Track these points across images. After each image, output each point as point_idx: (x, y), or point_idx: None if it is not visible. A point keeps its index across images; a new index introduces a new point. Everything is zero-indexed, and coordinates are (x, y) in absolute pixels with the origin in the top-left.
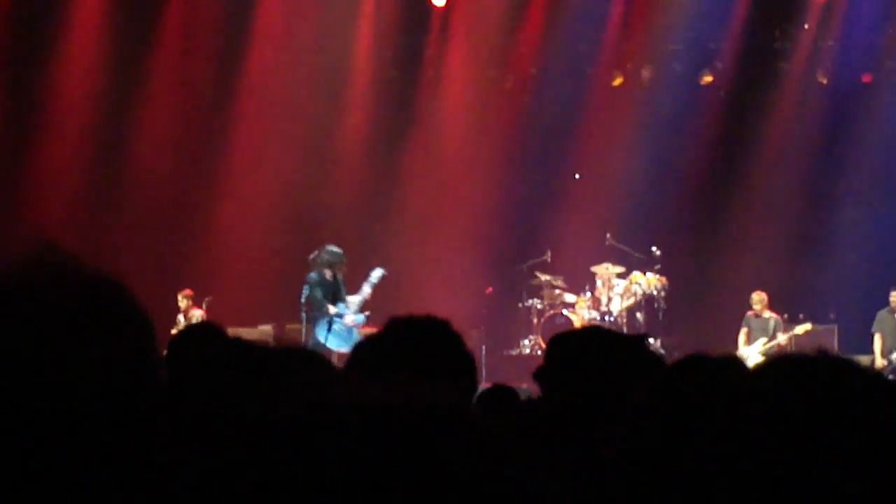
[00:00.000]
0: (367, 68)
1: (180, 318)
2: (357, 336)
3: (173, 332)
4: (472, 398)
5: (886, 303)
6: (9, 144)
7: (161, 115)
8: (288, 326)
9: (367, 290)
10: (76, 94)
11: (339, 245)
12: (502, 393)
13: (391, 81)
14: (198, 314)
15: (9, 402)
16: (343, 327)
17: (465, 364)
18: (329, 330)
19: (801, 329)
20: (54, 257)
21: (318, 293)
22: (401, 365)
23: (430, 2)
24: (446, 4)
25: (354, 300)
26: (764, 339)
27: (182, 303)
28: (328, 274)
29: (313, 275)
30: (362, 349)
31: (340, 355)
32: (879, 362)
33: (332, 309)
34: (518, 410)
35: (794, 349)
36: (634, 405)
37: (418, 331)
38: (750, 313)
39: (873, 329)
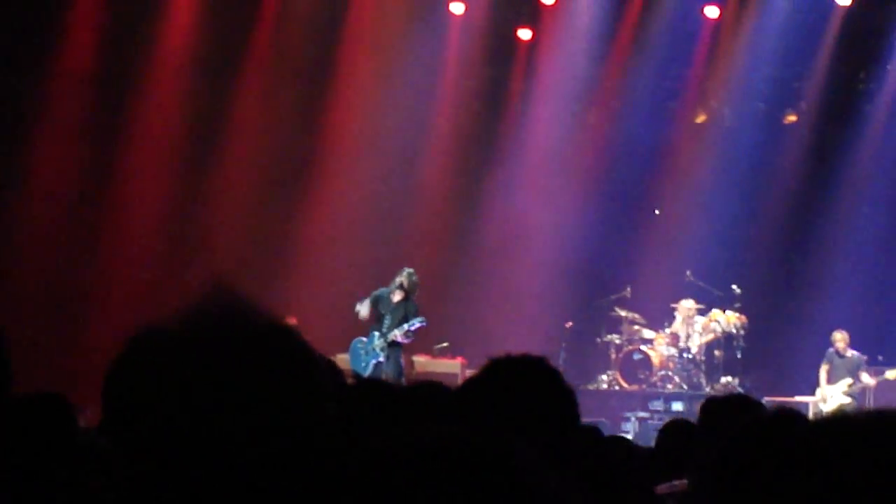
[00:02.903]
0: (451, 101)
1: None
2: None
3: None
4: (575, 432)
5: None
6: (96, 169)
7: (246, 143)
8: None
9: (396, 333)
10: (157, 130)
11: (420, 276)
12: (585, 431)
13: (475, 114)
14: None
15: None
16: (368, 350)
17: (567, 400)
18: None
19: (891, 374)
20: (231, 301)
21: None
22: (506, 405)
23: (517, 35)
24: (532, 38)
25: (377, 337)
26: (849, 380)
27: None
28: (394, 295)
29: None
30: (467, 391)
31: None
32: None
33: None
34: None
35: (871, 393)
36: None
37: (519, 370)
38: (832, 350)
39: None
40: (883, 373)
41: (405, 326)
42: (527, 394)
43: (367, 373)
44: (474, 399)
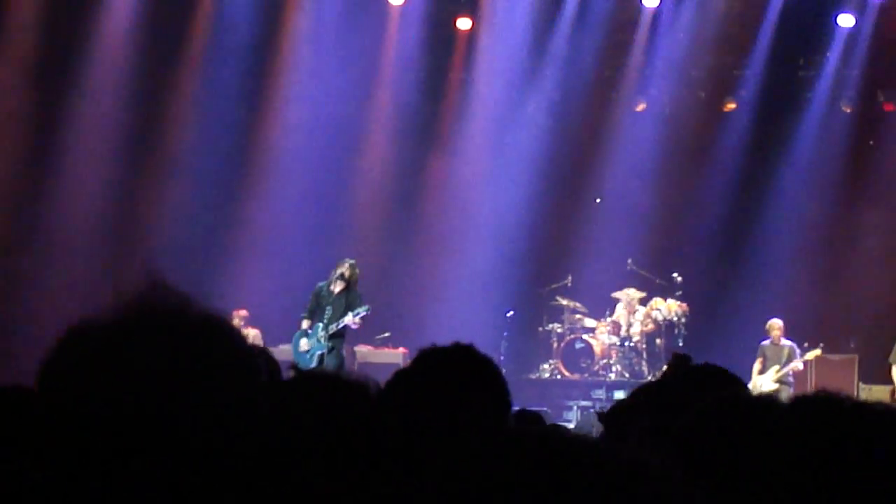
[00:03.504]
0: (391, 92)
1: None
2: (310, 360)
3: None
4: (507, 420)
5: None
6: (35, 159)
7: (187, 138)
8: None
9: (346, 319)
10: (96, 120)
11: (361, 266)
12: (529, 418)
13: (415, 105)
14: (253, 333)
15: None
16: (311, 342)
17: (498, 387)
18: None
19: (811, 355)
20: (164, 295)
21: (311, 303)
22: (437, 395)
23: (456, 25)
24: (471, 28)
25: (321, 328)
26: (777, 367)
27: (235, 322)
28: (335, 286)
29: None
30: (398, 382)
31: None
32: None
33: (304, 323)
34: None
35: (814, 376)
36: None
37: (449, 359)
38: (765, 342)
39: (890, 359)
40: (821, 360)
41: (355, 313)
42: (457, 382)
43: (312, 364)
44: (406, 389)
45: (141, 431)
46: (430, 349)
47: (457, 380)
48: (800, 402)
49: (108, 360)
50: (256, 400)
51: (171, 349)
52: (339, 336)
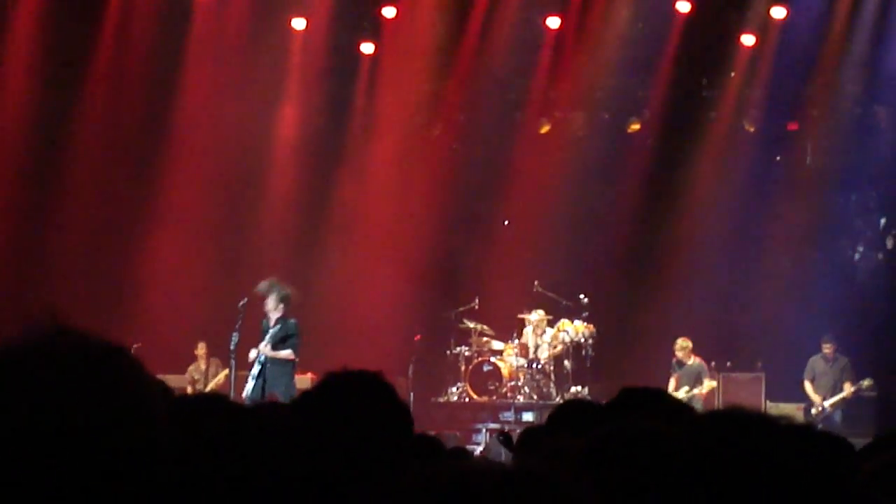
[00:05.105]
0: (295, 116)
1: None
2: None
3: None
4: (406, 449)
5: (813, 350)
6: None
7: (89, 159)
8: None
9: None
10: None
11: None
12: (426, 443)
13: (319, 129)
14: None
15: (21, 469)
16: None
17: (399, 416)
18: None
19: (707, 387)
20: (61, 327)
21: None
22: (339, 420)
23: (359, 49)
24: (375, 52)
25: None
26: (687, 388)
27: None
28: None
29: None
30: (303, 405)
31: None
32: (816, 408)
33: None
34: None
35: (721, 394)
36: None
37: (353, 385)
38: (675, 360)
39: (804, 376)
40: (729, 379)
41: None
42: (359, 408)
43: (247, 395)
44: (309, 414)
45: (28, 463)
46: (335, 373)
47: (359, 406)
48: (711, 417)
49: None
50: (153, 427)
51: (62, 379)
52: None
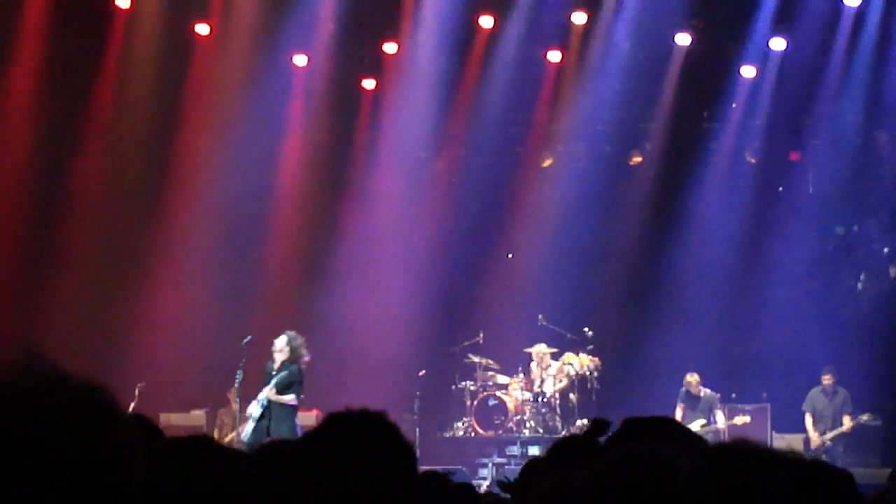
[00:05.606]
0: (298, 151)
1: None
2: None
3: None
4: (411, 490)
5: (817, 381)
6: None
7: (90, 197)
8: (221, 410)
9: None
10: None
11: (273, 328)
12: (433, 479)
13: (321, 164)
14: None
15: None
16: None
17: (404, 457)
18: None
19: (739, 420)
20: (39, 365)
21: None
22: (342, 461)
23: (361, 85)
24: (376, 87)
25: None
26: (702, 421)
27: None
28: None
29: (299, 367)
30: (305, 447)
31: None
32: (815, 442)
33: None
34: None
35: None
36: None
37: (356, 426)
38: (684, 389)
39: (804, 408)
40: (736, 413)
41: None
42: (363, 449)
43: (247, 436)
44: (312, 454)
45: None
46: (338, 413)
47: (362, 447)
48: (718, 451)
49: None
50: (127, 466)
51: (35, 417)
52: (278, 406)
